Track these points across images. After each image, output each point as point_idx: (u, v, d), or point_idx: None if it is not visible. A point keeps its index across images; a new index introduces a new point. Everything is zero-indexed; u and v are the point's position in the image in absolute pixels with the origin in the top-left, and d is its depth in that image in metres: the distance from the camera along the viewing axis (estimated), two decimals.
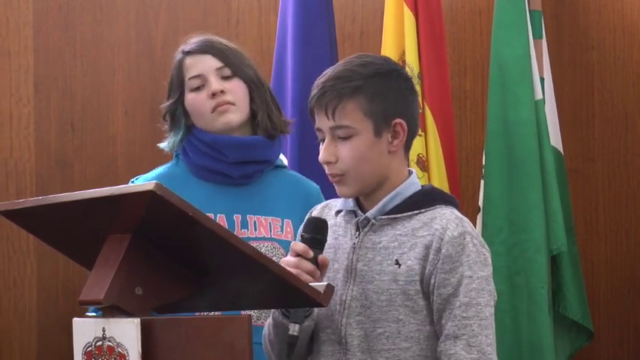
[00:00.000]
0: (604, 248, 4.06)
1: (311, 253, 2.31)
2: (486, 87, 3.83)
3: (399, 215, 2.36)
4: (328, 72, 2.38)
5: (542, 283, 3.66)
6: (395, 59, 3.80)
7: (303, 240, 2.33)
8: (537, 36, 3.88)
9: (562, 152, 3.90)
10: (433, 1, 3.83)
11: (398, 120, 2.35)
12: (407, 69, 3.77)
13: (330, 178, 2.38)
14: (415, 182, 2.41)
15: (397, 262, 2.32)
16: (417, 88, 3.76)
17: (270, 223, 2.86)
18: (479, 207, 3.80)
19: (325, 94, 2.34)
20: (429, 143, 3.78)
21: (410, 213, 2.36)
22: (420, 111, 3.75)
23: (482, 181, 3.79)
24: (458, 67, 4.13)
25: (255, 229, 2.84)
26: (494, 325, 2.32)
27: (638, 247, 4.04)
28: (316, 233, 2.34)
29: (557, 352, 3.72)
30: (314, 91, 2.37)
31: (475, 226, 3.75)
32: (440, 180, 3.77)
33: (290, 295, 2.13)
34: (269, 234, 2.85)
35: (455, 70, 4.10)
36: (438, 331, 2.32)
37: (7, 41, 4.24)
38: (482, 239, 2.37)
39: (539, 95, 3.77)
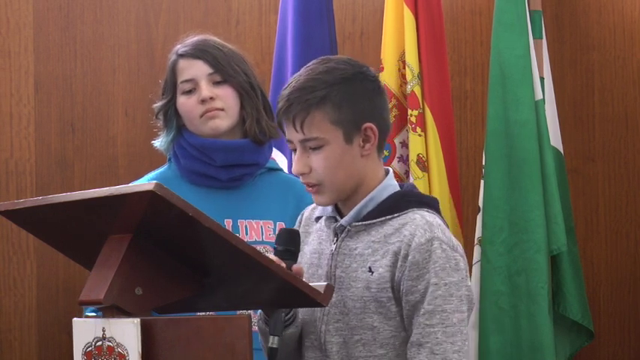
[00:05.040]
0: (604, 248, 4.06)
1: (283, 265, 2.28)
2: (486, 87, 3.83)
3: (373, 221, 2.35)
4: (292, 82, 2.35)
5: (542, 283, 3.65)
6: (395, 59, 3.81)
7: (276, 252, 2.32)
8: (537, 36, 3.88)
9: (562, 152, 3.90)
10: (433, 1, 3.83)
11: (368, 124, 2.33)
12: (407, 69, 3.77)
13: (306, 188, 2.37)
14: (391, 184, 2.38)
15: (370, 270, 2.31)
16: (417, 88, 3.77)
17: (261, 227, 2.87)
18: (479, 207, 3.80)
19: (291, 107, 2.31)
20: (429, 143, 3.78)
21: (383, 218, 2.34)
22: (420, 111, 3.77)
23: (482, 181, 3.79)
24: (458, 67, 4.13)
25: (247, 234, 2.85)
26: (464, 332, 2.28)
27: (639, 247, 4.04)
28: (288, 245, 2.33)
29: (557, 352, 3.72)
30: (280, 103, 2.34)
31: (475, 226, 3.79)
32: (440, 180, 3.77)
33: (290, 295, 2.13)
34: (260, 237, 2.86)
35: (455, 70, 4.10)
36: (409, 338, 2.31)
37: (7, 41, 4.24)
38: (454, 242, 2.32)
39: (539, 95, 3.77)
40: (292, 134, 2.33)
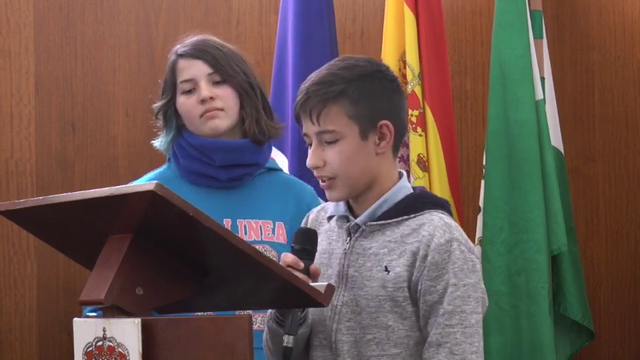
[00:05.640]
0: (604, 248, 4.06)
1: (301, 265, 2.29)
2: (487, 87, 3.83)
3: (388, 221, 2.35)
4: (312, 76, 2.37)
5: (542, 283, 3.66)
6: (395, 59, 3.81)
7: (294, 251, 2.33)
8: (538, 36, 3.88)
9: (563, 152, 3.90)
10: (434, 1, 3.83)
11: (384, 122, 2.34)
12: (407, 69, 3.77)
13: (319, 182, 2.38)
14: (405, 186, 2.39)
15: (386, 269, 2.32)
16: (418, 88, 3.77)
17: (260, 227, 2.87)
18: (479, 207, 3.80)
19: (309, 100, 2.33)
20: (429, 143, 3.78)
21: (399, 219, 2.35)
22: (421, 111, 3.76)
23: (482, 181, 3.79)
24: (458, 67, 4.13)
25: (246, 233, 2.85)
26: (481, 333, 2.30)
27: (639, 247, 4.04)
28: (306, 244, 2.33)
29: (557, 352, 3.72)
30: (298, 96, 2.36)
31: (475, 226, 3.80)
32: (440, 180, 3.77)
33: (291, 295, 2.13)
34: (259, 237, 2.86)
35: (455, 70, 4.10)
36: (424, 338, 2.31)
37: (7, 41, 4.24)
38: (471, 245, 2.35)
39: (539, 95, 3.77)
40: (309, 127, 2.35)
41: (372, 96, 2.33)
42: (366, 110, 2.33)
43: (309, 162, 2.36)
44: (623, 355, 4.04)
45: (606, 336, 4.03)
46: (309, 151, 2.37)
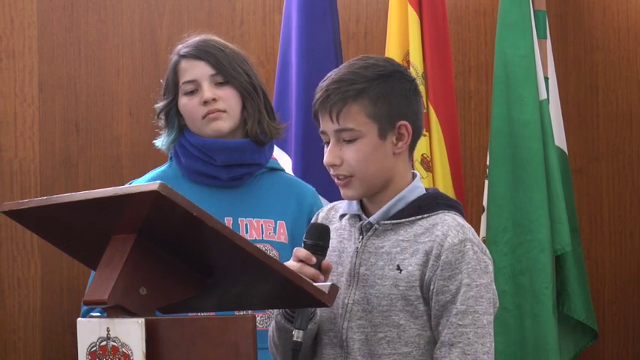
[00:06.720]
0: (608, 248, 4.06)
1: (314, 260, 2.30)
2: (491, 87, 3.83)
3: (401, 220, 2.36)
4: (332, 75, 2.38)
5: (546, 283, 3.66)
6: (399, 59, 3.81)
7: (306, 246, 2.33)
8: (542, 36, 3.88)
9: (566, 152, 3.90)
10: (437, 1, 3.83)
11: (402, 122, 2.35)
12: (411, 69, 3.77)
13: (335, 180, 2.38)
14: (419, 186, 2.40)
15: (398, 268, 2.32)
16: (422, 88, 3.77)
17: (262, 226, 2.87)
18: (483, 207, 3.80)
19: (329, 98, 2.33)
20: (433, 143, 3.78)
21: (413, 218, 2.36)
22: (425, 111, 3.76)
23: (486, 181, 3.79)
24: (462, 67, 4.13)
25: (247, 232, 2.85)
26: (492, 333, 2.31)
27: None
28: (319, 239, 2.34)
29: (561, 352, 3.72)
30: (318, 94, 2.37)
31: (479, 226, 3.80)
32: (444, 180, 3.77)
33: (294, 295, 2.13)
34: (260, 236, 2.86)
35: (459, 70, 4.10)
36: (435, 337, 2.32)
37: (11, 41, 4.24)
38: (483, 246, 2.35)
39: (543, 95, 3.77)
40: (327, 125, 2.35)
41: (392, 96, 2.34)
42: (386, 110, 2.33)
43: (326, 160, 2.36)
44: (627, 355, 4.04)
45: (610, 336, 4.03)
46: (326, 150, 2.37)
